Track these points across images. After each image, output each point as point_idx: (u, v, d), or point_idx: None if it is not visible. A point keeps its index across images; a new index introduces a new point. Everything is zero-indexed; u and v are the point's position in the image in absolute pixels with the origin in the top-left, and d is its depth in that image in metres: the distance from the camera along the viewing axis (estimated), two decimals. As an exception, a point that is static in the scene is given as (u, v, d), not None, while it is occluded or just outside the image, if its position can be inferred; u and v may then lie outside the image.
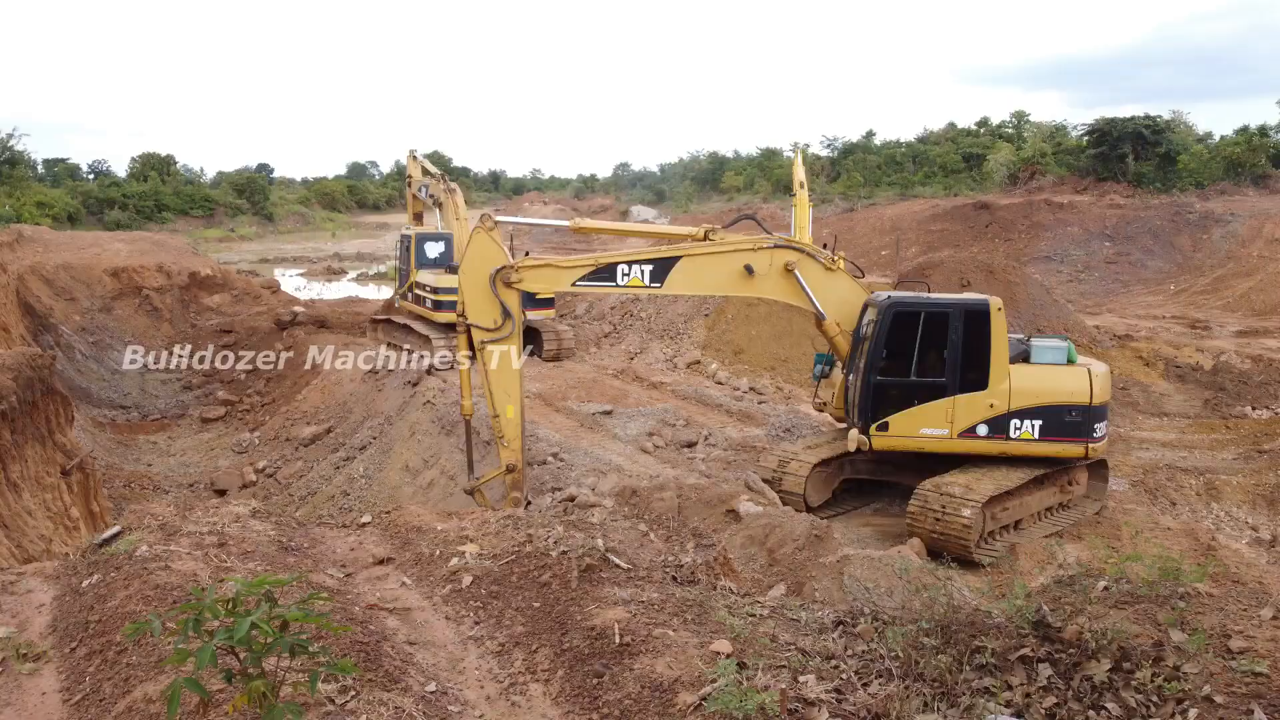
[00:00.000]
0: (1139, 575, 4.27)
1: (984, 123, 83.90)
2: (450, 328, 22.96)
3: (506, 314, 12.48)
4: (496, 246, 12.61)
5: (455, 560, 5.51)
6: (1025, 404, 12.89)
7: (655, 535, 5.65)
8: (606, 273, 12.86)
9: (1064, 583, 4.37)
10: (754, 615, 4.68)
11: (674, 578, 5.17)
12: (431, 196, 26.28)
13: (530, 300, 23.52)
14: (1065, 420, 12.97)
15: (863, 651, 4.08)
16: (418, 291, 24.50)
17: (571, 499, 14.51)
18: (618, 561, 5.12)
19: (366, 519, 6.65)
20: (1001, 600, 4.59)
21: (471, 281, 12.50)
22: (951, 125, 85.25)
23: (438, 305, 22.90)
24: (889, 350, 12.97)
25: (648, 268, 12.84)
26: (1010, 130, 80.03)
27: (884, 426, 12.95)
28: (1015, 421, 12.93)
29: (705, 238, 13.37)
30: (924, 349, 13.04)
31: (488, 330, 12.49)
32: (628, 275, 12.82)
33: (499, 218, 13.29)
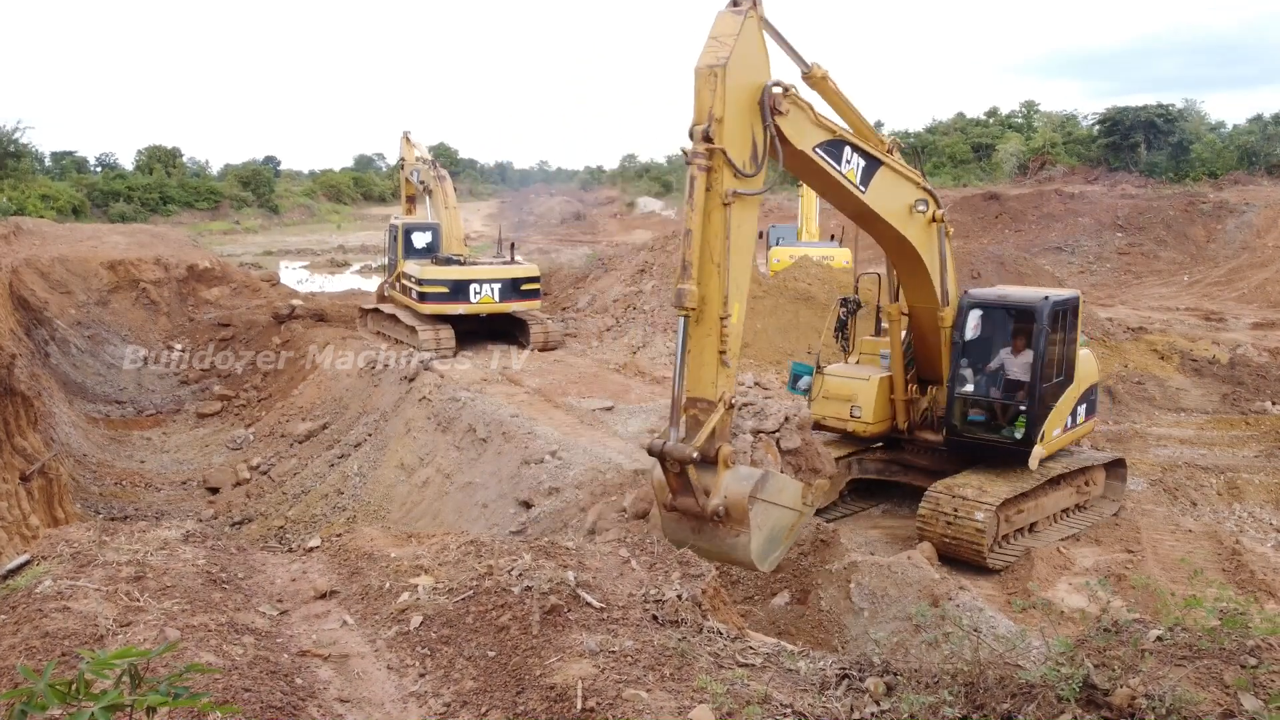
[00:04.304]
0: (1198, 623, 3.71)
1: (993, 113, 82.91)
2: (435, 319, 22.74)
3: (758, 158, 8.50)
4: (765, 54, 8.65)
5: (406, 595, 4.96)
6: (1084, 387, 13.14)
7: (638, 562, 5.08)
8: (836, 149, 9.96)
9: (1109, 631, 3.81)
10: (746, 666, 4.14)
11: (655, 617, 4.60)
12: (422, 183, 25.90)
13: (516, 291, 23.40)
14: (1091, 400, 13.47)
15: (871, 715, 3.56)
16: (404, 282, 24.15)
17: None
18: (589, 599, 4.55)
19: (314, 543, 6.08)
20: (1027, 630, 4.03)
21: (739, 87, 8.24)
22: (960, 115, 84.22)
23: (423, 297, 22.63)
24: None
25: (862, 162, 10.35)
26: (1020, 120, 79.08)
27: (1042, 434, 12.34)
28: (1080, 407, 13.09)
29: (889, 152, 11.11)
30: (1060, 346, 12.59)
31: (736, 172, 8.23)
32: (849, 163, 10.16)
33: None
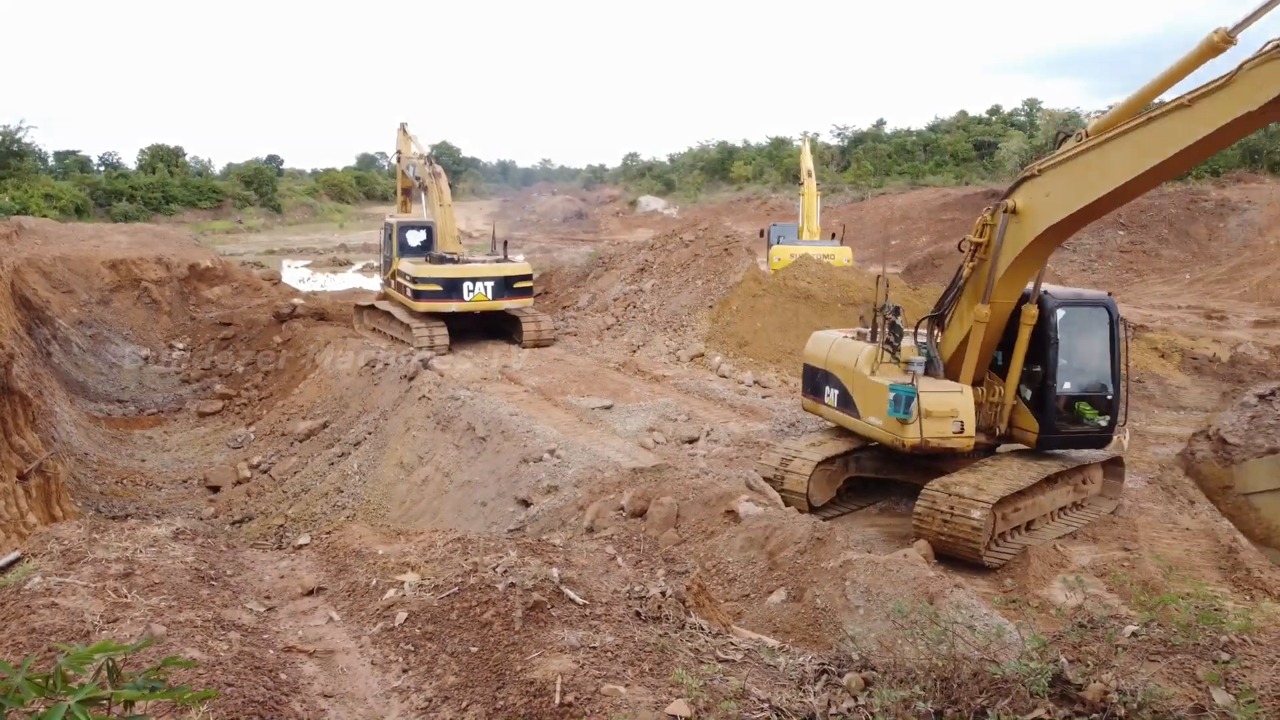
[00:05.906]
0: (1173, 619, 3.73)
1: (996, 111, 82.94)
2: (429, 316, 22.92)
3: None
4: None
5: (392, 592, 5.00)
6: None
7: (624, 559, 5.10)
8: None
9: (1085, 627, 3.83)
10: (725, 661, 4.17)
11: (637, 613, 4.62)
12: (418, 178, 25.99)
13: (509, 289, 23.59)
14: None
15: (848, 710, 3.58)
16: (399, 280, 24.33)
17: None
18: (572, 595, 4.57)
19: (304, 540, 6.13)
20: (1004, 626, 4.03)
21: None
22: (963, 113, 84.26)
23: (417, 294, 22.83)
24: None
25: None
26: (1023, 118, 79.01)
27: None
28: None
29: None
30: None
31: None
32: None
33: None
